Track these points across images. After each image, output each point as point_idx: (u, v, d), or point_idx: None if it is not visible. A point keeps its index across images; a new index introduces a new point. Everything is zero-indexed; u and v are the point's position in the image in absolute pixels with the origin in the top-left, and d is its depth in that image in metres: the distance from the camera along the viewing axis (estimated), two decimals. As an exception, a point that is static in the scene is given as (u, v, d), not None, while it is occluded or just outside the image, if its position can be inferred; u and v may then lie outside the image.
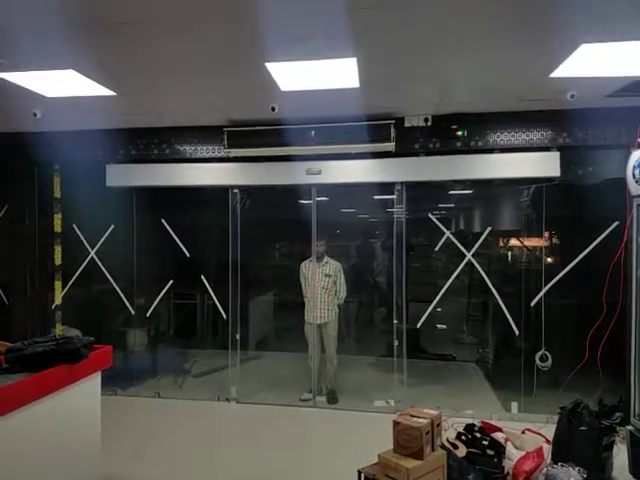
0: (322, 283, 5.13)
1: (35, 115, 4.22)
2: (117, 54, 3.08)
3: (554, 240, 5.46)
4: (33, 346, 2.77)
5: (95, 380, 3.10)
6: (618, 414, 3.62)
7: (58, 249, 5.51)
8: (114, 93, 3.81)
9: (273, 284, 7.36)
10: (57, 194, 5.50)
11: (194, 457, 3.89)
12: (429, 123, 4.52)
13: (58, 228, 5.51)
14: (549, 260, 5.04)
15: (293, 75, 3.37)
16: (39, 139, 5.05)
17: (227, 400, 5.12)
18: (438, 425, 2.89)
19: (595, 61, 3.13)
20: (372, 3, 2.40)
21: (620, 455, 3.52)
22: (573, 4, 2.42)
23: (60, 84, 3.58)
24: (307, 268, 5.21)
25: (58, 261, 5.52)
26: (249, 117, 4.58)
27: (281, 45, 2.88)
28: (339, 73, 3.33)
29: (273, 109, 4.03)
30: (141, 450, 3.95)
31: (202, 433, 4.36)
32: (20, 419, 2.43)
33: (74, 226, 5.55)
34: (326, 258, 5.18)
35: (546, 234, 4.95)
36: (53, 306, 5.52)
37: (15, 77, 3.42)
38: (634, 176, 3.42)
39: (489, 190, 5.80)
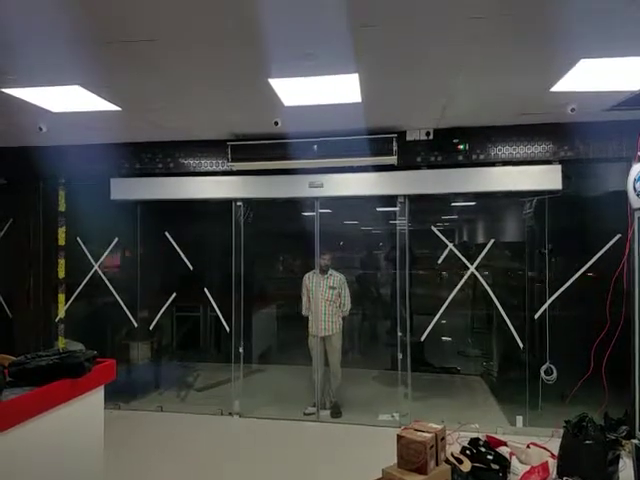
0: (326, 295, 5.12)
1: (41, 129, 4.26)
2: (123, 71, 3.13)
3: (557, 252, 5.45)
4: (36, 360, 2.76)
5: (98, 394, 3.08)
6: (624, 428, 3.59)
7: (62, 262, 5.53)
8: (119, 108, 3.86)
9: (276, 296, 7.35)
10: (62, 208, 5.53)
11: (197, 472, 3.86)
12: (431, 137, 4.56)
13: (62, 241, 5.54)
14: (552, 272, 5.02)
15: (296, 91, 3.42)
16: (44, 153, 5.10)
17: (230, 414, 5.09)
18: (442, 439, 2.88)
19: (595, 76, 3.18)
20: (372, 22, 2.44)
21: (626, 469, 3.48)
22: (573, 21, 2.46)
23: (66, 99, 3.63)
24: (310, 280, 5.21)
25: (62, 274, 5.54)
26: (253, 131, 4.63)
27: (284, 62, 2.93)
28: (341, 89, 3.37)
29: (276, 123, 4.07)
30: (144, 465, 3.93)
31: (205, 448, 4.33)
32: (22, 434, 2.42)
33: (78, 239, 5.58)
34: (330, 270, 5.19)
35: (549, 246, 4.94)
36: (56, 319, 5.52)
37: (22, 93, 3.48)
38: (635, 189, 3.45)
39: (491, 202, 5.81)
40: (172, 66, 3.05)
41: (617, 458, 3.45)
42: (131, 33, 2.58)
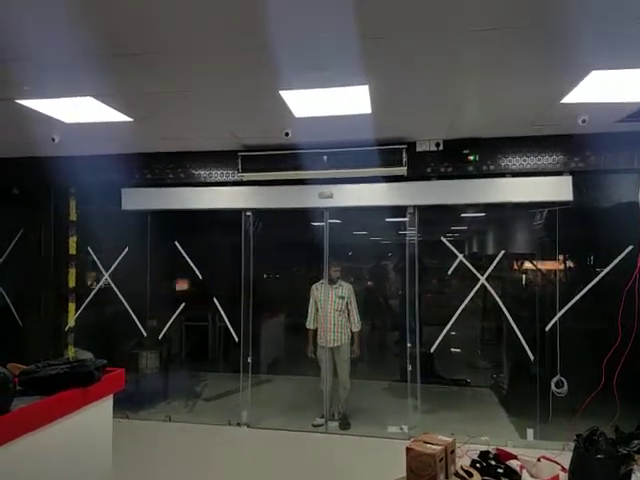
0: (335, 305, 5.09)
1: (53, 140, 4.31)
2: (135, 82, 3.17)
3: (568, 264, 5.42)
4: (46, 369, 2.77)
5: (107, 403, 3.09)
6: (636, 442, 3.51)
7: (72, 271, 5.58)
8: (131, 119, 3.90)
9: (285, 306, 7.34)
10: (73, 217, 5.58)
11: (204, 483, 3.85)
12: (441, 147, 4.56)
13: (73, 251, 5.58)
14: (563, 284, 4.99)
15: (307, 102, 3.45)
16: (56, 163, 5.15)
17: (238, 425, 5.07)
18: (452, 452, 2.84)
19: (606, 87, 3.17)
20: (383, 33, 2.46)
21: (639, 485, 3.42)
22: (584, 32, 2.46)
23: (79, 110, 3.68)
24: (319, 290, 5.20)
25: (72, 283, 5.58)
26: (263, 142, 4.66)
27: (295, 74, 2.96)
28: (351, 100, 3.39)
29: (287, 134, 4.10)
30: (152, 475, 3.92)
31: (213, 459, 4.31)
32: (32, 442, 2.42)
33: (89, 248, 5.62)
34: (339, 281, 5.17)
35: (560, 258, 4.91)
36: (66, 328, 5.55)
37: (36, 104, 3.53)
38: (646, 200, 3.41)
39: (502, 213, 5.78)
40: (184, 78, 3.09)
41: (629, 473, 3.36)
42: (143, 45, 2.62)
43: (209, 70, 2.96)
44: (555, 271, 4.97)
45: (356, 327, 5.13)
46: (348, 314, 5.12)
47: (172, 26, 2.41)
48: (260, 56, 2.71)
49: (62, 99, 3.44)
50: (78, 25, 2.40)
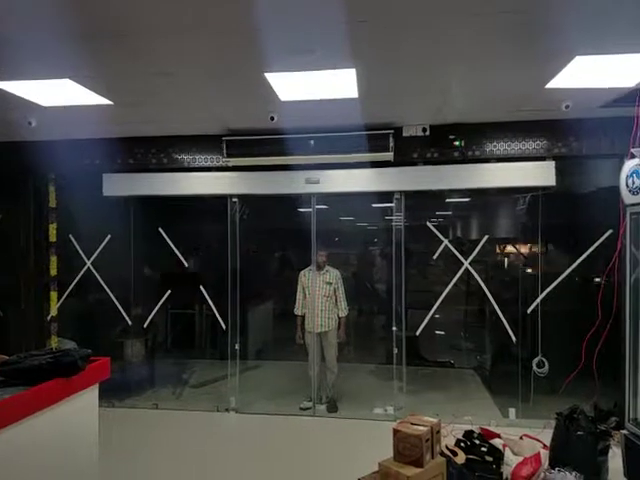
0: (323, 291, 5.12)
1: (30, 124, 4.19)
2: (114, 64, 3.09)
3: (550, 247, 5.51)
4: (29, 359, 2.73)
5: (93, 393, 3.06)
6: (613, 419, 3.65)
7: (53, 259, 5.47)
8: (111, 102, 3.80)
9: (272, 293, 7.33)
10: (52, 204, 5.47)
11: (194, 469, 3.86)
12: (427, 133, 4.56)
13: (53, 238, 5.47)
14: (544, 267, 5.08)
15: (292, 85, 3.41)
16: (34, 148, 5.03)
17: (227, 410, 5.09)
18: (437, 432, 2.90)
19: (589, 73, 3.20)
20: (370, 17, 2.44)
21: (615, 459, 3.55)
22: (568, 17, 2.48)
23: (56, 93, 3.58)
24: (307, 277, 5.21)
25: (53, 272, 5.48)
26: (248, 126, 4.60)
27: (280, 56, 2.91)
28: (338, 84, 3.36)
29: (272, 118, 4.05)
30: (139, 463, 3.92)
31: (202, 444, 4.33)
32: (16, 433, 2.39)
33: (70, 236, 5.51)
34: (326, 267, 5.19)
35: (542, 242, 4.99)
36: (49, 317, 5.46)
37: (10, 86, 3.42)
38: (627, 185, 3.47)
39: (485, 199, 5.85)
40: (164, 58, 3.00)
41: (607, 448, 3.51)
42: (124, 25, 2.54)
43: (192, 51, 2.89)
44: (537, 255, 5.05)
45: (343, 313, 5.17)
46: (336, 300, 5.16)
47: (153, 4, 2.32)
48: (244, 37, 2.65)
49: (38, 81, 3.33)
50: (51, 4, 2.31)
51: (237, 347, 5.21)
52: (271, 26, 2.53)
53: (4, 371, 2.65)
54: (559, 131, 4.40)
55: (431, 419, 2.94)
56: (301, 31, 2.61)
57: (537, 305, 4.74)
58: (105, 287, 5.48)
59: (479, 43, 2.79)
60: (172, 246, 5.43)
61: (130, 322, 5.51)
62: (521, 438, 3.88)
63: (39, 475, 2.56)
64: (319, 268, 5.15)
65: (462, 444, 3.59)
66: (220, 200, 5.15)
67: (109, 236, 5.48)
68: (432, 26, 2.56)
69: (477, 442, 3.60)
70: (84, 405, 2.96)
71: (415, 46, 2.83)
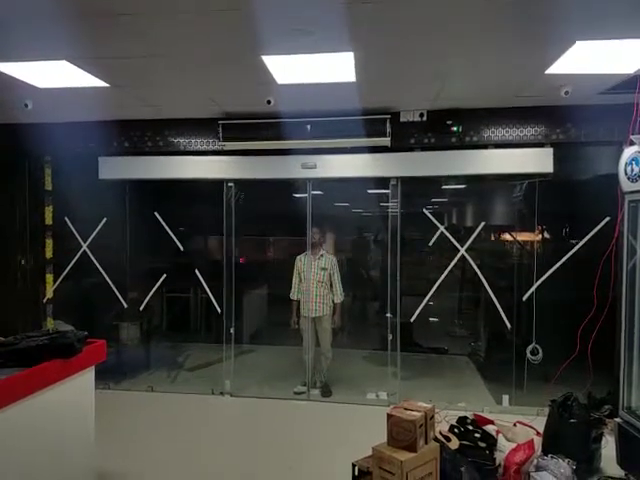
0: (318, 277, 5.13)
1: (26, 106, 4.15)
2: (111, 45, 3.04)
3: (546, 235, 5.51)
4: (26, 340, 2.74)
5: (89, 375, 3.08)
6: (607, 407, 3.69)
7: (49, 242, 5.46)
8: (107, 85, 3.77)
9: (268, 277, 7.34)
10: (48, 186, 5.44)
11: (189, 451, 3.90)
12: (424, 118, 4.52)
13: (49, 220, 5.46)
14: (541, 255, 5.09)
15: (290, 68, 3.36)
16: (30, 130, 4.99)
17: (221, 394, 5.12)
18: (431, 418, 2.92)
19: (589, 58, 3.17)
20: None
21: (608, 446, 3.58)
22: (569, 2, 2.43)
23: (52, 75, 3.54)
24: (302, 262, 5.21)
25: (49, 254, 5.48)
26: (244, 110, 4.56)
27: (278, 38, 2.87)
28: (336, 67, 3.32)
29: (269, 102, 4.01)
30: (135, 445, 3.95)
31: (196, 427, 4.36)
32: (13, 414, 2.41)
33: (66, 219, 5.49)
34: (322, 251, 5.18)
35: (538, 229, 4.98)
36: (44, 300, 5.47)
37: (6, 67, 3.38)
38: (626, 172, 3.45)
39: (482, 185, 5.82)
40: (159, 39, 2.95)
41: (600, 436, 3.54)
42: (119, 5, 2.50)
43: (188, 32, 2.84)
44: (533, 242, 5.05)
45: (338, 299, 5.18)
46: (331, 285, 5.16)
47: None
48: (240, 17, 2.60)
49: (34, 62, 3.29)
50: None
51: (232, 331, 5.23)
52: (269, 6, 2.49)
53: (0, 352, 2.66)
54: (558, 118, 4.36)
55: (425, 405, 2.96)
56: (300, 12, 2.56)
57: (532, 292, 4.75)
58: (101, 270, 5.48)
59: (479, 28, 2.75)
60: (167, 229, 5.41)
61: (126, 305, 5.52)
62: (515, 425, 3.92)
63: (36, 456, 2.59)
64: (314, 250, 5.14)
65: (456, 430, 3.61)
66: (216, 184, 5.10)
67: (105, 219, 5.46)
68: (431, 9, 2.51)
69: (470, 428, 3.63)
70: (80, 387, 2.99)
71: (413, 30, 2.78)
